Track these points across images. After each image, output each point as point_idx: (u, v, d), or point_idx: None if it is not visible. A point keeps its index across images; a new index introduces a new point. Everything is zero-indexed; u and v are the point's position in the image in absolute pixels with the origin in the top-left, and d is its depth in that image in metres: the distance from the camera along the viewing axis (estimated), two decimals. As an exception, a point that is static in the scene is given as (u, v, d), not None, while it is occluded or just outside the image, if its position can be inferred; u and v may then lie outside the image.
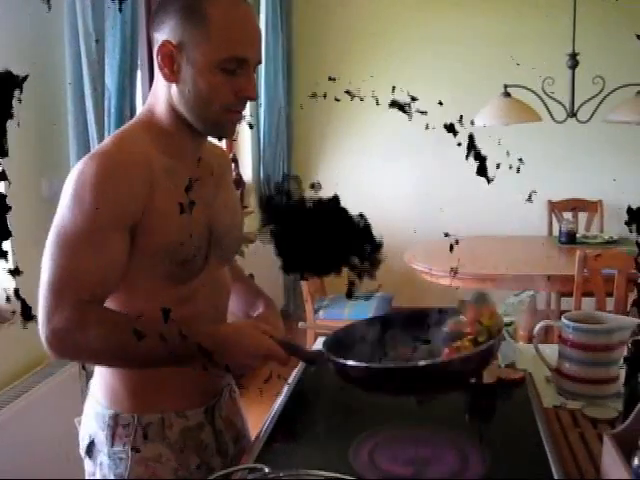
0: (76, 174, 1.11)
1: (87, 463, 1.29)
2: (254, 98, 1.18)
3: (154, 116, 1.21)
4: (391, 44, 4.86)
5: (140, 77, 2.72)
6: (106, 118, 2.29)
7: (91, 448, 1.27)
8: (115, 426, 1.23)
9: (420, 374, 1.07)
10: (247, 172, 4.65)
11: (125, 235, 1.12)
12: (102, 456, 1.24)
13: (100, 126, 2.26)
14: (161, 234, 1.16)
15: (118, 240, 1.12)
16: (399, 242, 4.55)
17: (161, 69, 1.15)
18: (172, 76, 1.14)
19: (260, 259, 4.26)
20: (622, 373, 1.36)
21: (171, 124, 1.20)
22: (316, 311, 3.74)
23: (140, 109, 1.33)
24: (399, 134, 4.93)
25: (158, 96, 1.20)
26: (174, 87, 1.16)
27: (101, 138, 2.26)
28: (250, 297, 1.48)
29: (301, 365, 1.62)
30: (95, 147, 2.21)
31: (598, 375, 1.47)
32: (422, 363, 1.08)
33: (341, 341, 1.22)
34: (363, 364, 1.09)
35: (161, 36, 1.14)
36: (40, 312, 1.07)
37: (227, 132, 1.22)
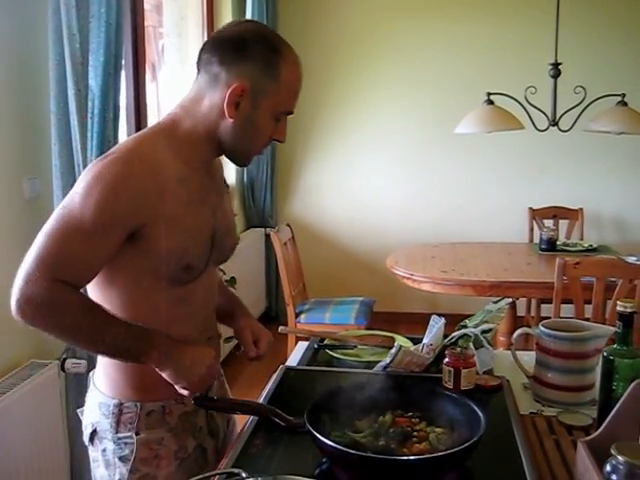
0: (96, 170, 1.19)
1: (90, 450, 1.39)
2: (284, 141, 1.36)
3: (180, 128, 1.29)
4: (376, 52, 4.88)
5: (124, 78, 2.71)
6: (89, 119, 2.27)
7: (93, 436, 1.36)
8: (120, 414, 1.32)
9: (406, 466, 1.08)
10: (231, 175, 4.64)
11: (119, 237, 1.20)
12: (106, 442, 1.34)
13: (83, 127, 2.25)
14: (169, 239, 1.23)
15: (111, 241, 1.19)
16: (382, 247, 4.58)
17: (228, 105, 1.23)
18: (235, 113, 1.24)
19: (243, 262, 4.27)
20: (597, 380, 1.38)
21: (199, 140, 1.29)
22: (297, 315, 3.74)
23: (123, 109, 1.36)
24: (385, 140, 4.96)
25: (195, 115, 1.28)
26: (228, 120, 1.25)
27: (84, 139, 2.25)
28: (229, 306, 1.58)
29: (280, 370, 1.63)
30: (85, 147, 2.22)
31: (574, 382, 1.49)
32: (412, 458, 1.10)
33: (326, 404, 1.23)
34: (340, 447, 1.08)
35: (230, 75, 1.23)
36: (19, 276, 1.15)
37: (248, 163, 1.38)
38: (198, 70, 1.28)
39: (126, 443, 1.32)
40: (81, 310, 1.18)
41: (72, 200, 1.18)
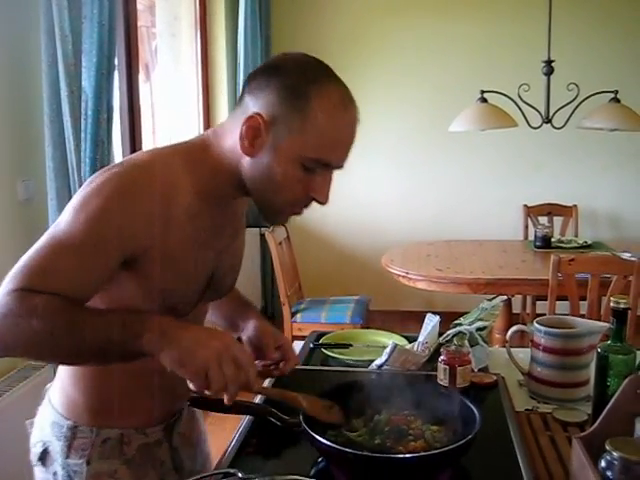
0: (95, 184, 1.05)
1: (39, 470, 1.25)
2: (325, 203, 1.12)
3: (206, 153, 1.13)
4: (370, 50, 4.89)
5: (117, 79, 2.71)
6: (82, 120, 2.27)
7: (44, 456, 1.23)
8: (73, 438, 1.19)
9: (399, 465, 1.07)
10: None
11: (113, 262, 1.05)
12: (56, 466, 1.21)
13: (76, 128, 2.25)
14: (160, 277, 1.10)
15: (103, 263, 1.04)
16: (377, 245, 4.58)
17: (241, 139, 1.06)
18: (250, 149, 1.07)
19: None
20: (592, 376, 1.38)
21: (220, 174, 1.12)
22: (293, 314, 3.74)
23: (116, 110, 1.26)
24: (379, 138, 4.96)
25: (224, 146, 1.12)
26: (246, 158, 1.08)
27: (77, 141, 2.25)
28: (239, 307, 1.48)
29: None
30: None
31: (568, 379, 1.49)
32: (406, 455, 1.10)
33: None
34: (336, 446, 1.08)
35: (253, 103, 1.07)
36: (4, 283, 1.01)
37: (281, 222, 1.19)
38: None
39: (75, 471, 1.19)
40: (53, 307, 0.99)
41: (66, 213, 1.05)
